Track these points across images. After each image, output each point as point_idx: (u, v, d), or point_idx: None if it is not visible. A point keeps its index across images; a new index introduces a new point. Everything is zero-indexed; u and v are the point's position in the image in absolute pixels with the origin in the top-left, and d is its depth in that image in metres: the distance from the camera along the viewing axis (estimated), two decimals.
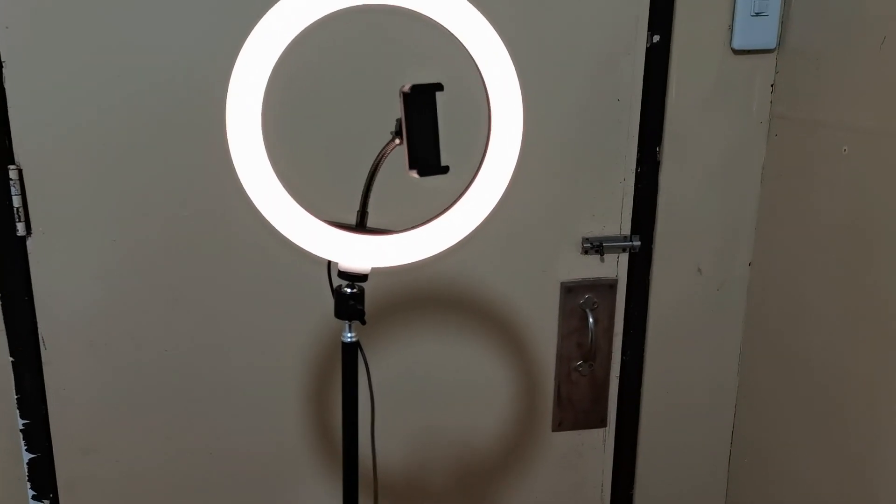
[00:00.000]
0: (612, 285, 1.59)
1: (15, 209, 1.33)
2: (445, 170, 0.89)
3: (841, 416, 1.40)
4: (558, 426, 1.64)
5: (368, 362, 1.06)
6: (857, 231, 1.35)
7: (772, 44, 1.51)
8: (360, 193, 0.98)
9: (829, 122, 1.41)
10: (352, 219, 0.98)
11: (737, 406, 1.71)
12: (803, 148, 1.48)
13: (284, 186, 0.92)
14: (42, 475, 1.46)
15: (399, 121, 0.89)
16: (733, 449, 1.73)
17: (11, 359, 1.40)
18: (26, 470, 1.45)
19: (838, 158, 1.38)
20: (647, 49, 1.48)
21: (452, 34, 0.90)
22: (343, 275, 0.98)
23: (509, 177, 0.95)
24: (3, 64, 1.28)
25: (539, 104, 1.43)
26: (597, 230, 1.55)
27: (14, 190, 1.32)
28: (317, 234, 0.94)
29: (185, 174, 1.38)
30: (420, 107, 0.86)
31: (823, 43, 1.42)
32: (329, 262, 1.01)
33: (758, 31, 1.50)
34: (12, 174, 1.32)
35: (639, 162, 1.53)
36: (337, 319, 1.01)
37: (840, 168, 1.38)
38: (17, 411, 1.42)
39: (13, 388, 1.41)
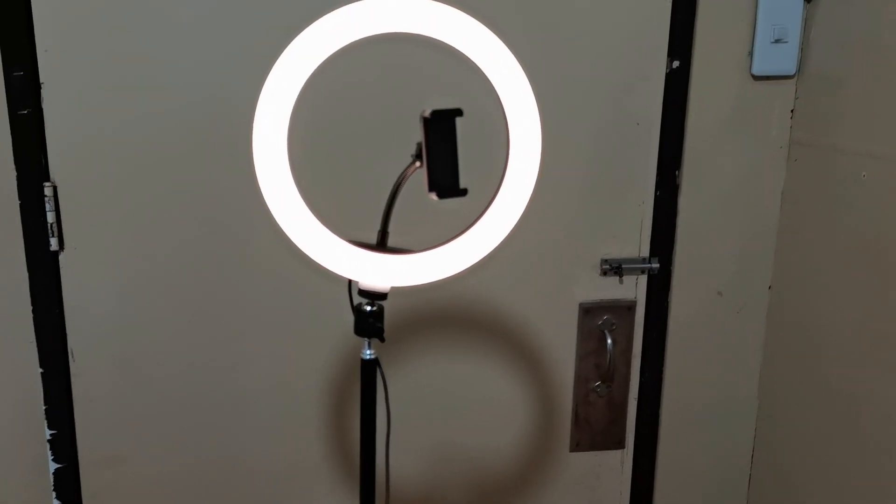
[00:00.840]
0: (630, 307, 1.59)
1: (49, 225, 1.38)
2: (464, 192, 0.91)
3: (862, 439, 1.39)
4: (576, 447, 1.65)
5: (387, 379, 1.07)
6: (876, 255, 1.35)
7: (791, 70, 1.52)
8: (382, 213, 1.00)
9: (847, 148, 1.41)
10: (373, 238, 1.01)
11: (757, 429, 1.70)
12: (822, 173, 1.48)
13: (308, 206, 0.95)
14: (67, 485, 1.49)
15: (419, 144, 0.91)
16: (753, 472, 1.72)
17: (41, 370, 1.44)
18: (52, 480, 1.48)
19: (857, 184, 1.38)
20: (667, 74, 1.49)
21: (471, 60, 0.92)
22: (363, 293, 1.00)
23: (527, 200, 0.97)
24: (42, 85, 1.33)
25: (559, 128, 1.45)
26: (616, 252, 1.56)
27: (48, 206, 1.37)
28: (338, 252, 0.96)
29: (212, 193, 1.41)
30: (440, 131, 0.89)
31: (843, 70, 1.43)
32: (350, 281, 1.03)
33: (777, 58, 1.51)
34: (47, 191, 1.36)
35: (658, 185, 1.54)
36: (356, 336, 1.04)
37: (858, 193, 1.38)
38: (46, 422, 1.46)
39: (42, 399, 1.45)
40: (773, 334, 1.63)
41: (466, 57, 0.92)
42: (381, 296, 1.00)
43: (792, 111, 1.55)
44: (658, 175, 1.54)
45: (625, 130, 1.51)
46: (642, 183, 1.54)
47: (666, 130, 1.52)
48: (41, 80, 1.33)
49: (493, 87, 0.93)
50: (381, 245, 1.00)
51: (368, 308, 1.01)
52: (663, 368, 1.64)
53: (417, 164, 0.93)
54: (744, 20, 1.50)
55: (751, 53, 1.51)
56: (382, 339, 1.02)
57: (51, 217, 1.37)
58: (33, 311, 1.41)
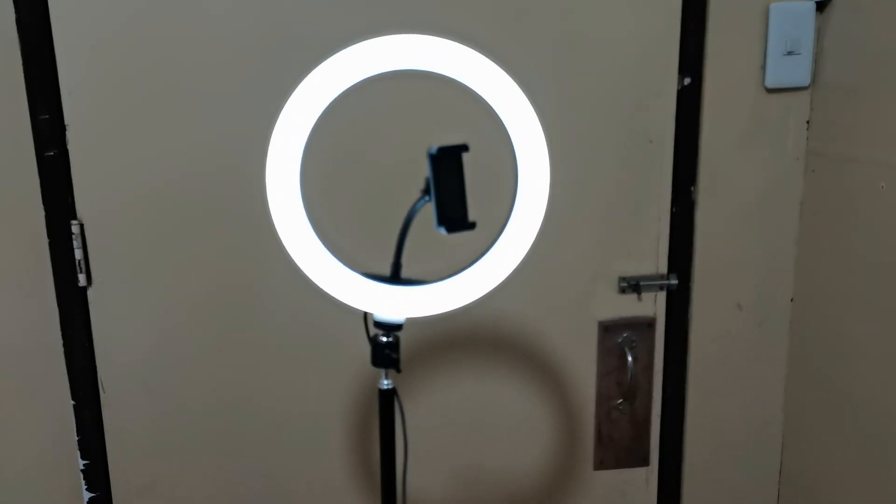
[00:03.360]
0: (650, 323, 1.59)
1: (77, 261, 1.42)
2: (472, 226, 0.92)
3: (891, 454, 1.37)
4: (600, 465, 1.64)
5: (408, 405, 1.08)
6: None
7: (805, 81, 1.51)
8: (394, 246, 1.02)
9: (865, 158, 1.40)
10: (387, 270, 1.02)
11: (783, 444, 1.68)
12: (841, 184, 1.47)
13: (322, 241, 0.97)
14: None
15: (427, 179, 0.93)
16: (781, 488, 1.70)
17: (73, 402, 1.48)
18: None
19: (876, 194, 1.37)
20: (679, 91, 1.49)
21: (474, 91, 0.94)
22: (378, 324, 1.02)
23: (538, 228, 0.98)
24: (67, 126, 1.37)
25: (573, 148, 1.46)
26: (633, 269, 1.56)
27: (76, 243, 1.41)
28: (353, 286, 0.98)
29: (231, 230, 1.44)
30: (447, 167, 0.90)
31: (859, 79, 1.42)
32: (365, 313, 1.04)
33: (791, 70, 1.50)
34: (74, 229, 1.40)
35: (673, 201, 1.54)
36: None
37: (878, 204, 1.37)
38: (79, 452, 1.50)
39: (74, 430, 1.49)
40: (797, 347, 1.62)
41: (469, 88, 0.94)
42: (397, 327, 1.02)
43: (808, 122, 1.54)
44: (673, 191, 1.54)
45: (638, 148, 1.51)
46: (658, 200, 1.54)
47: (680, 147, 1.52)
48: (66, 123, 1.37)
49: (501, 122, 0.95)
50: (395, 277, 1.01)
51: (384, 339, 1.03)
52: (686, 384, 1.63)
53: (426, 198, 0.95)
54: (755, 33, 1.49)
55: (763, 66, 1.50)
56: (398, 370, 1.04)
57: (78, 254, 1.41)
58: (64, 345, 1.45)
